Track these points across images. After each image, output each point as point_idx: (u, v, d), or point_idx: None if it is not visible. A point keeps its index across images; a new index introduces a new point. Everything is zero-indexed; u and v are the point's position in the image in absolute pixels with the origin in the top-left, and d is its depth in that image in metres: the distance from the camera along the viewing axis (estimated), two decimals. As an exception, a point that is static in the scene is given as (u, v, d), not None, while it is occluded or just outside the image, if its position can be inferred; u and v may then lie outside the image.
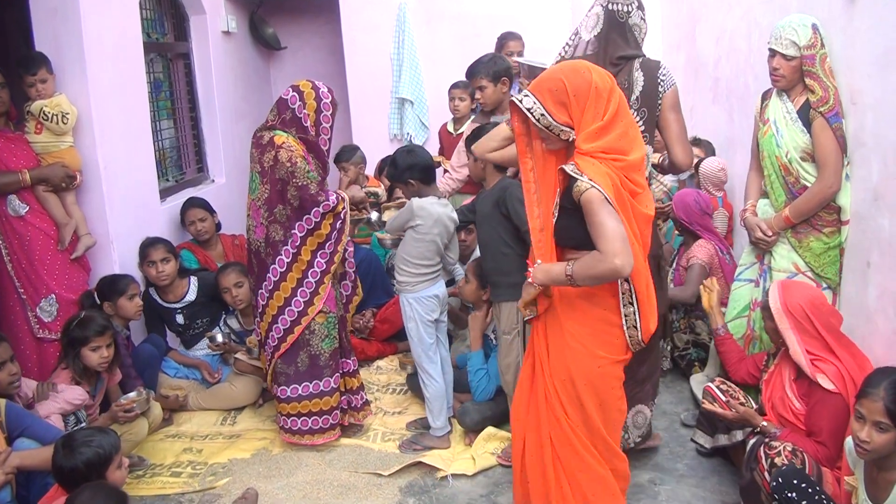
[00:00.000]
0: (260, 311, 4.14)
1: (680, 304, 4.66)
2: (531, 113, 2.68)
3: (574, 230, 2.76)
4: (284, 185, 3.93)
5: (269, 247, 4.02)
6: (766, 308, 3.41)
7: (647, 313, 2.82)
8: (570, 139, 2.71)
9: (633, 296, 2.76)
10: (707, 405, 3.47)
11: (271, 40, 7.86)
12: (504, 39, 5.85)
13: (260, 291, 4.10)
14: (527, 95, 2.71)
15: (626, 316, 2.78)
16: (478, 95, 4.86)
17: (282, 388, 4.14)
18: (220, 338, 4.89)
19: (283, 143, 3.93)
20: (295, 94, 4.04)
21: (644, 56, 3.52)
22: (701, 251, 4.60)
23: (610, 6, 3.42)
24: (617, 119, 2.70)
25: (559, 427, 2.91)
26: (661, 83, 3.48)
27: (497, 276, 3.88)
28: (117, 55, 4.89)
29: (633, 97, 3.44)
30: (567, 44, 3.58)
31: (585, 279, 2.65)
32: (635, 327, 2.79)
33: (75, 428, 3.63)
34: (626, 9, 3.43)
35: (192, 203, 5.54)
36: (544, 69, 3.52)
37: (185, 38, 6.44)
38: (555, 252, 2.88)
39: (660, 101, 3.49)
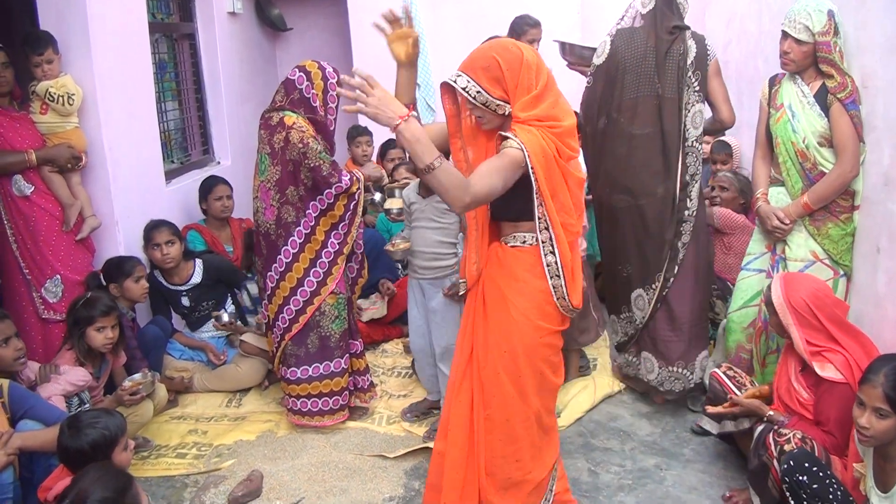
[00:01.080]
0: (269, 293, 4.13)
1: None
2: (467, 91, 2.71)
3: (511, 202, 2.78)
4: (296, 166, 3.92)
5: (280, 228, 4.01)
6: (769, 303, 3.39)
7: (575, 283, 2.87)
8: (507, 113, 2.75)
9: (559, 267, 2.82)
10: (711, 409, 3.49)
11: (277, 21, 7.81)
12: (523, 26, 5.76)
13: (269, 274, 4.09)
14: (459, 75, 2.74)
15: (554, 287, 2.83)
16: None
17: (291, 369, 4.14)
18: (225, 317, 4.88)
19: (294, 123, 3.92)
20: (302, 74, 4.03)
21: (690, 28, 4.07)
22: (738, 218, 4.73)
23: None
24: (548, 89, 2.77)
25: (494, 406, 2.91)
26: (709, 52, 4.03)
27: None
28: (122, 35, 4.86)
29: (689, 61, 3.97)
30: (623, 16, 4.19)
31: (434, 182, 2.58)
32: (564, 297, 2.85)
33: (79, 409, 3.63)
34: None
35: (217, 180, 5.52)
36: (593, 50, 4.14)
37: (190, 18, 6.40)
38: (487, 228, 2.95)
39: (707, 66, 4.03)
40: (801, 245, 3.71)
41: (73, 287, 4.35)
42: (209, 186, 5.49)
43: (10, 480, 3.07)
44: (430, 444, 3.93)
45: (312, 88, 4.02)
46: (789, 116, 3.68)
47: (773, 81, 3.84)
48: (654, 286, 4.12)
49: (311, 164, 3.88)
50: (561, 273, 2.81)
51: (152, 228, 4.80)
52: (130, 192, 4.86)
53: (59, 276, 4.34)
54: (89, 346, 3.89)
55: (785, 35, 3.62)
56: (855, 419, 2.72)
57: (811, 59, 3.58)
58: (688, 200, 4.03)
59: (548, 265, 2.82)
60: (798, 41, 3.56)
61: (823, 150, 3.59)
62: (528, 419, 2.93)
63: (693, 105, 4.00)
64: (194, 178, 5.76)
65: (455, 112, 2.90)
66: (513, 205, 2.80)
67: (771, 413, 3.25)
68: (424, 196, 3.99)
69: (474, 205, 2.67)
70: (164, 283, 4.89)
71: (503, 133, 2.72)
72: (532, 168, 2.65)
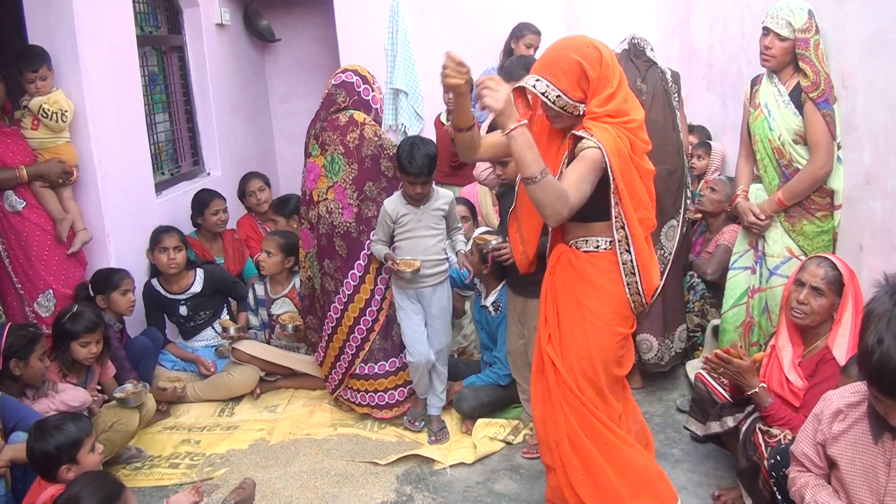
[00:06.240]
0: (351, 292, 4.20)
1: (700, 274, 4.78)
2: (546, 96, 2.71)
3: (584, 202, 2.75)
4: (375, 161, 4.09)
5: (361, 224, 4.13)
6: (818, 286, 3.19)
7: (648, 279, 2.88)
8: (581, 113, 2.75)
9: (635, 266, 2.83)
10: (709, 358, 3.38)
11: (265, 32, 7.85)
12: (524, 30, 5.86)
13: (351, 272, 4.17)
14: (538, 80, 2.72)
15: (628, 285, 2.84)
16: None
17: (380, 363, 4.28)
18: (233, 331, 4.87)
19: (365, 120, 4.12)
20: (357, 78, 4.23)
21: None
22: (731, 234, 4.69)
23: (633, 40, 4.30)
24: (621, 86, 2.77)
25: (579, 414, 2.90)
26: (678, 79, 4.35)
27: (533, 274, 3.91)
28: (111, 49, 4.90)
29: (668, 76, 4.24)
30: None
31: (538, 194, 2.58)
32: (638, 293, 2.86)
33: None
34: (642, 44, 4.29)
35: (212, 194, 5.58)
36: None
37: (178, 31, 6.44)
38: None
39: (680, 88, 4.35)
40: (777, 241, 3.78)
41: (64, 301, 4.37)
42: (205, 201, 5.52)
43: (1, 493, 3.08)
44: (421, 452, 3.96)
45: (371, 91, 4.24)
46: (766, 115, 3.74)
47: (755, 82, 3.90)
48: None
49: (391, 153, 4.07)
50: (636, 270, 2.82)
51: (162, 232, 4.86)
52: (121, 206, 4.89)
53: (51, 291, 4.36)
54: (73, 359, 3.91)
55: (766, 31, 3.67)
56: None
57: (791, 56, 3.64)
58: (688, 179, 4.35)
59: (623, 263, 2.82)
60: (780, 37, 3.62)
61: (798, 148, 3.65)
62: (610, 417, 2.95)
63: (677, 110, 4.26)
64: (185, 190, 5.79)
65: (525, 115, 2.84)
66: (585, 204, 2.72)
67: (763, 385, 3.20)
68: (416, 206, 4.02)
69: (568, 217, 2.65)
70: (163, 292, 4.92)
71: (577, 133, 2.71)
72: (610, 167, 2.64)
